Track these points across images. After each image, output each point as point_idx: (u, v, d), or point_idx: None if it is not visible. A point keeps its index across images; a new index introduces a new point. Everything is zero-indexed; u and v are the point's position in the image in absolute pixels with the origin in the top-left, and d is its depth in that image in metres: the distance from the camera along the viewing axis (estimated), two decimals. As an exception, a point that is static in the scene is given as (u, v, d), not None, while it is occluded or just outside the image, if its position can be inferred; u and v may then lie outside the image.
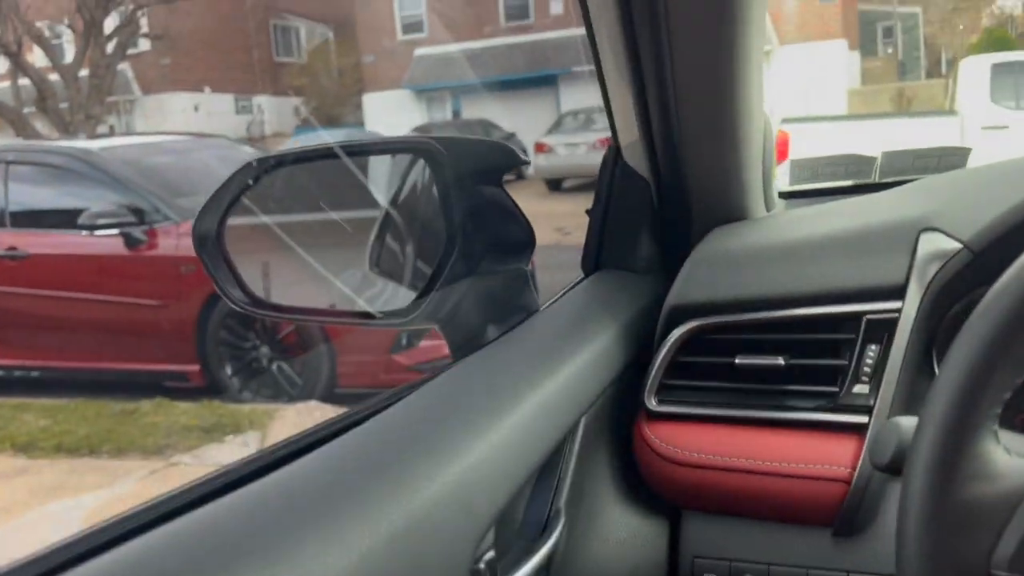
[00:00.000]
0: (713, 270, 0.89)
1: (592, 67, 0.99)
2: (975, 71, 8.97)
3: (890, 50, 23.11)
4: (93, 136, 12.91)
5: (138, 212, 5.37)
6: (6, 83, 14.99)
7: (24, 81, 14.66)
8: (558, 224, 9.53)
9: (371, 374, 5.08)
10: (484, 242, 0.99)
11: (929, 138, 8.83)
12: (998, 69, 8.83)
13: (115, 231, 5.30)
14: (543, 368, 0.75)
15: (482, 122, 17.05)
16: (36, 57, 16.01)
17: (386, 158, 1.04)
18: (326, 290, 1.01)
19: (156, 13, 17.93)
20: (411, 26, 21.13)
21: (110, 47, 15.83)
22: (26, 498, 3.76)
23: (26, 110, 14.19)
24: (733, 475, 0.80)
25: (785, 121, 9.61)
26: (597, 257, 1.05)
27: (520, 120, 17.18)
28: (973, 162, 1.41)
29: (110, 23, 15.92)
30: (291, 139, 18.80)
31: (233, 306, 1.00)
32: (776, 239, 0.91)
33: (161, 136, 8.24)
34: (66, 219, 5.44)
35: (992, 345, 0.49)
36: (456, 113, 20.55)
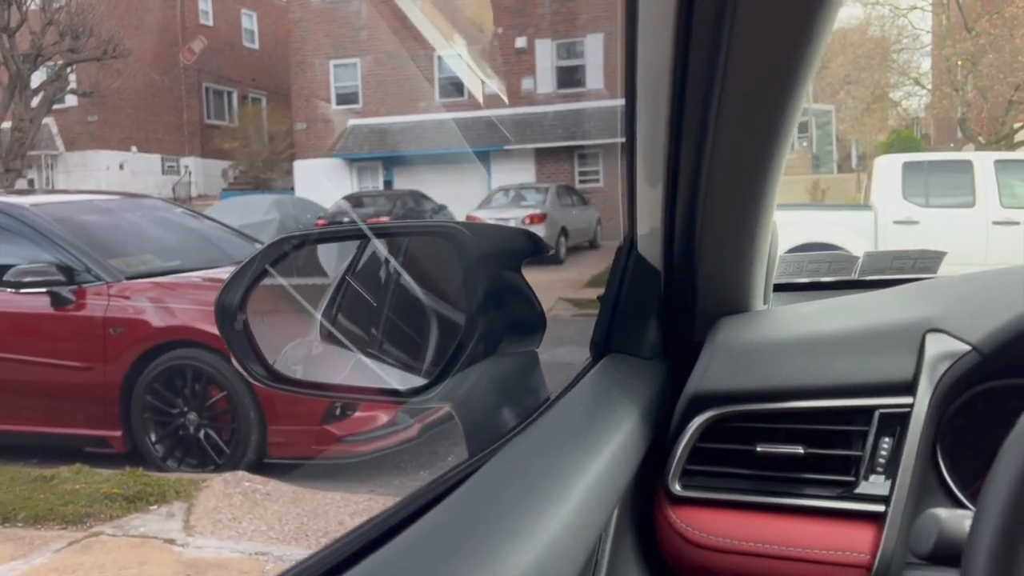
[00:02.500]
0: (730, 361, 0.94)
1: (622, 167, 1.04)
2: (888, 169, 9.49)
3: (805, 144, 24.31)
4: (12, 189, 12.54)
5: (67, 271, 5.22)
6: (-77, 131, 14.49)
7: (-58, 130, 14.21)
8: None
9: (302, 444, 4.98)
10: (501, 324, 1.02)
11: (846, 228, 9.27)
12: (909, 168, 9.37)
13: (42, 290, 5.13)
14: (585, 450, 0.78)
15: (413, 193, 17.17)
16: (-44, 107, 15.56)
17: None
18: (349, 366, 1.02)
19: (86, 70, 17.68)
20: (346, 97, 21.32)
21: (35, 101, 15.51)
22: (-68, 570, 3.53)
23: (-58, 160, 13.74)
24: (758, 560, 0.84)
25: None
26: (606, 341, 1.09)
27: (452, 193, 17.37)
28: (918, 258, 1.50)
29: (38, 77, 15.63)
30: (218, 201, 18.58)
31: (251, 380, 1.01)
32: (787, 333, 0.97)
33: (94, 195, 8.06)
34: (-10, 276, 5.25)
35: None
36: (388, 183, 20.67)
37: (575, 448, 0.78)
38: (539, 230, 14.80)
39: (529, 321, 1.07)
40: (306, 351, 1.02)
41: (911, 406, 0.85)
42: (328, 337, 1.03)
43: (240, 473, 4.68)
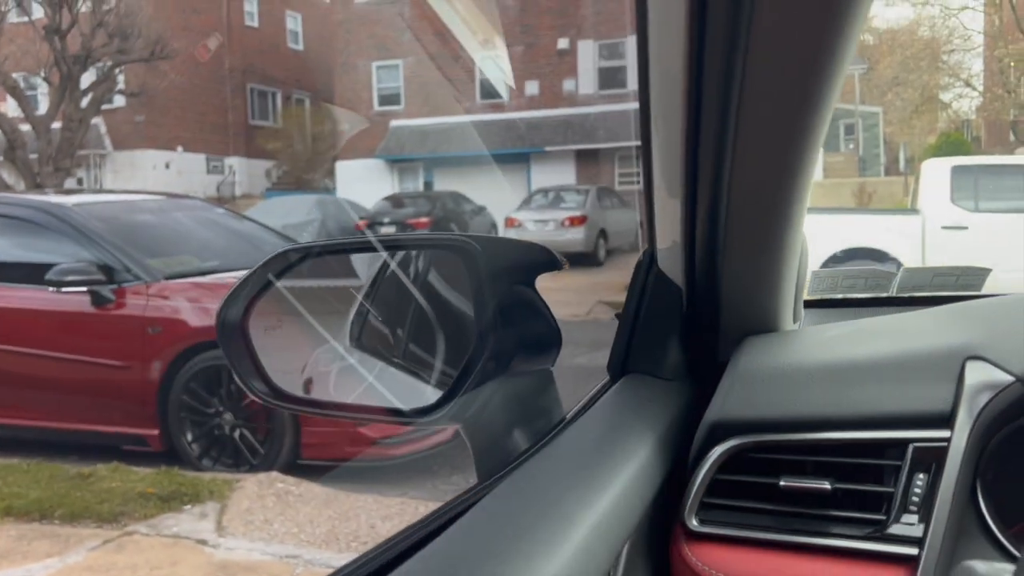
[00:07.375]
0: (753, 386, 0.88)
1: (639, 177, 0.99)
2: (937, 172, 9.25)
3: (851, 146, 23.85)
4: (61, 188, 12.80)
5: (108, 270, 5.28)
6: (-24, 132, 14.81)
7: (-6, 130, 14.52)
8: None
9: (336, 446, 4.98)
10: (514, 341, 0.97)
11: (893, 233, 9.07)
12: (958, 171, 9.12)
13: (83, 288, 5.19)
14: (591, 485, 0.73)
15: (453, 195, 17.20)
16: (8, 107, 15.92)
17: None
18: (354, 384, 0.98)
19: (134, 70, 18.00)
20: (388, 98, 21.44)
21: (85, 101, 15.81)
22: (-30, 566, 3.58)
23: (-6, 159, 14.02)
24: (779, 603, 0.78)
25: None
26: (624, 361, 1.04)
27: (491, 195, 17.37)
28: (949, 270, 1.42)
29: (87, 78, 15.93)
30: (261, 201, 18.79)
31: (254, 398, 0.97)
32: (815, 357, 0.91)
33: (135, 195, 8.18)
34: (33, 274, 5.34)
35: None
36: (428, 184, 20.75)
37: (582, 482, 0.73)
38: (578, 232, 14.75)
39: (543, 338, 1.02)
40: (310, 368, 0.99)
41: (948, 440, 0.78)
42: (345, 353, 1.00)
43: (274, 474, 4.69)
